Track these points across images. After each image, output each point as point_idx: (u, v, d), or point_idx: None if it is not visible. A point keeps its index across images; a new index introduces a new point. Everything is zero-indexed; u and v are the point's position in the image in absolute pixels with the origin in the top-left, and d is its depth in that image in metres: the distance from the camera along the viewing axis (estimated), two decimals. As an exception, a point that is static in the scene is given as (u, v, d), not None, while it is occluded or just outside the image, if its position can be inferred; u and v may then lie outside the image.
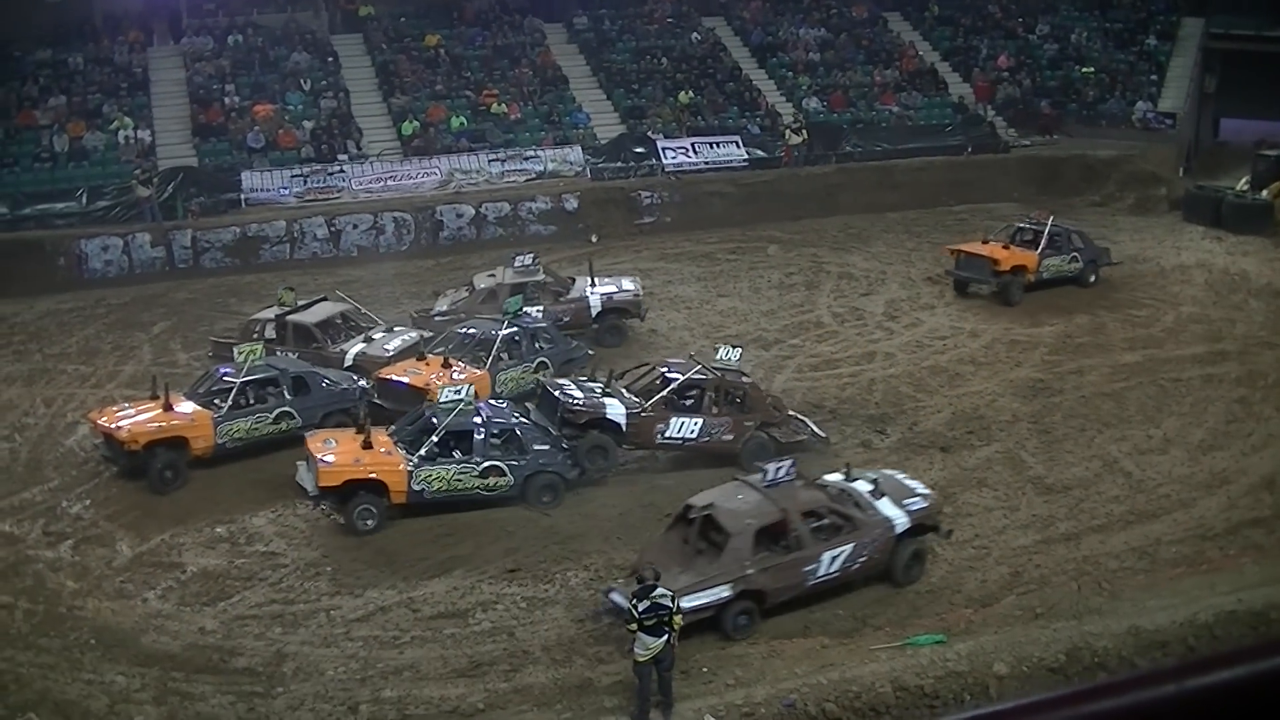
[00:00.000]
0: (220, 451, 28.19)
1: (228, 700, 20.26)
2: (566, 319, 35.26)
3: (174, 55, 52.51)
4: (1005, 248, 39.46)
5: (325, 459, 25.62)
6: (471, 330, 32.58)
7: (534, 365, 31.97)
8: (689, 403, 28.76)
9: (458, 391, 26.55)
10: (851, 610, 22.66)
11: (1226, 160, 53.51)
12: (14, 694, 20.38)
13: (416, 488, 25.77)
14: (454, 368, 30.59)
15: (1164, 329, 36.71)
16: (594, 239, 46.34)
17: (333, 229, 45.17)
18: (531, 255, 37.12)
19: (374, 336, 33.50)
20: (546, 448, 26.67)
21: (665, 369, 29.54)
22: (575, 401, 27.82)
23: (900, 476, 25.23)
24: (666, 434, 28.11)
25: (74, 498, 27.17)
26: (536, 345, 32.38)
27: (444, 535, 25.50)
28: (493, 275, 36.78)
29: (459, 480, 25.98)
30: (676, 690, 19.60)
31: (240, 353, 29.19)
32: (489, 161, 48.17)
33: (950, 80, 56.99)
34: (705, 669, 20.71)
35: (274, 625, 22.38)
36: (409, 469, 25.68)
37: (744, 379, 29.25)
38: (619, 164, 49.34)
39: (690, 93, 53.10)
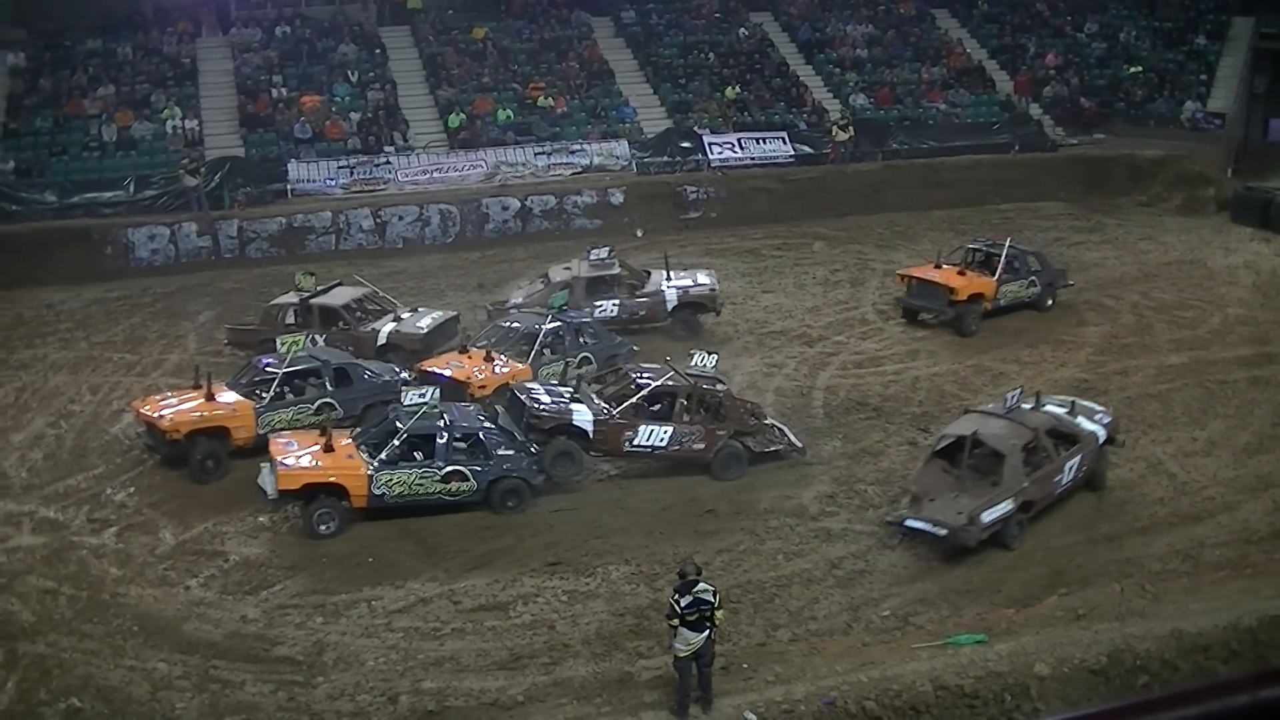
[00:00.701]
0: (262, 442, 27.73)
1: (268, 689, 20.33)
2: (642, 313, 35.48)
3: (222, 46, 52.73)
4: (960, 273, 36.80)
5: (285, 462, 25.38)
6: (515, 324, 32.56)
7: (577, 360, 31.98)
8: (659, 410, 28.19)
9: (422, 395, 26.26)
10: (894, 609, 22.56)
11: (1275, 161, 53.01)
12: (57, 679, 20.51)
13: (377, 492, 25.41)
14: (496, 361, 30.72)
15: (1210, 330, 36.44)
16: (639, 234, 46.29)
17: (378, 220, 45.26)
18: (607, 248, 36.88)
19: (402, 315, 34.03)
20: (511, 453, 26.20)
21: (637, 375, 28.88)
22: (541, 407, 27.28)
23: (1077, 400, 28.22)
24: (635, 441, 27.46)
25: (118, 485, 27.30)
26: (580, 340, 32.41)
27: (485, 528, 25.54)
28: (568, 268, 36.76)
29: (420, 485, 25.61)
30: (716, 686, 19.59)
31: (283, 343, 29.14)
32: (535, 155, 48.18)
33: (998, 78, 56.67)
34: (745, 665, 20.69)
35: (315, 615, 22.45)
36: (369, 473, 25.35)
37: (718, 386, 28.70)
38: (665, 159, 49.29)
39: (737, 88, 52.99)
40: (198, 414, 27.77)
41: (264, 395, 28.65)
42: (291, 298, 34.40)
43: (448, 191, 46.66)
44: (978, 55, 58.07)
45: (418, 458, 25.80)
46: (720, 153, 49.55)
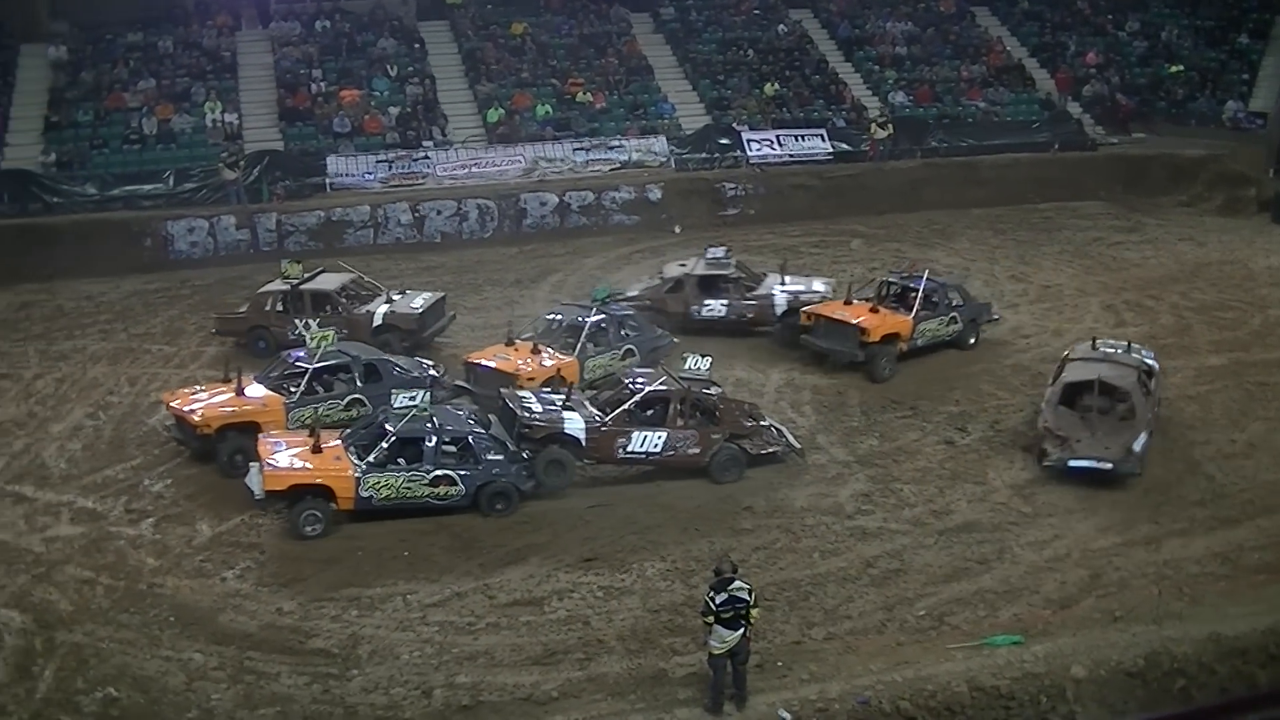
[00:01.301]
0: None
1: (303, 681, 20.39)
2: (749, 315, 35.22)
3: (262, 40, 52.90)
4: (873, 310, 33.33)
5: (272, 463, 25.31)
6: (559, 317, 32.71)
7: (621, 353, 32.15)
8: (653, 415, 27.84)
9: (411, 397, 26.17)
10: (929, 608, 22.50)
11: (1318, 161, 52.73)
12: (94, 668, 20.62)
13: (364, 494, 25.19)
14: (543, 353, 30.87)
15: (1251, 332, 36.22)
16: (677, 230, 46.31)
17: (416, 215, 45.39)
18: (724, 248, 36.82)
19: (394, 298, 34.58)
20: (500, 457, 25.93)
21: (630, 380, 28.50)
22: (532, 415, 26.90)
23: (1130, 342, 30.94)
24: (629, 448, 27.11)
25: (155, 476, 27.39)
26: (623, 333, 32.53)
27: (521, 523, 25.53)
28: (683, 265, 36.77)
29: (408, 488, 25.38)
30: (751, 683, 19.58)
31: (313, 338, 29.22)
32: (573, 150, 48.25)
33: (1038, 76, 56.43)
34: (780, 663, 20.67)
35: (350, 608, 22.48)
36: (356, 475, 25.16)
37: (711, 389, 28.34)
38: (703, 155, 49.26)
39: (776, 85, 52.92)
40: (228, 409, 27.80)
41: (294, 390, 28.65)
42: (279, 285, 34.77)
43: (486, 186, 46.75)
44: (1018, 53, 57.88)
45: (405, 461, 25.63)
46: (759, 149, 49.51)
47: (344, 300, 34.49)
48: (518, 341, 31.56)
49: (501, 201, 46.09)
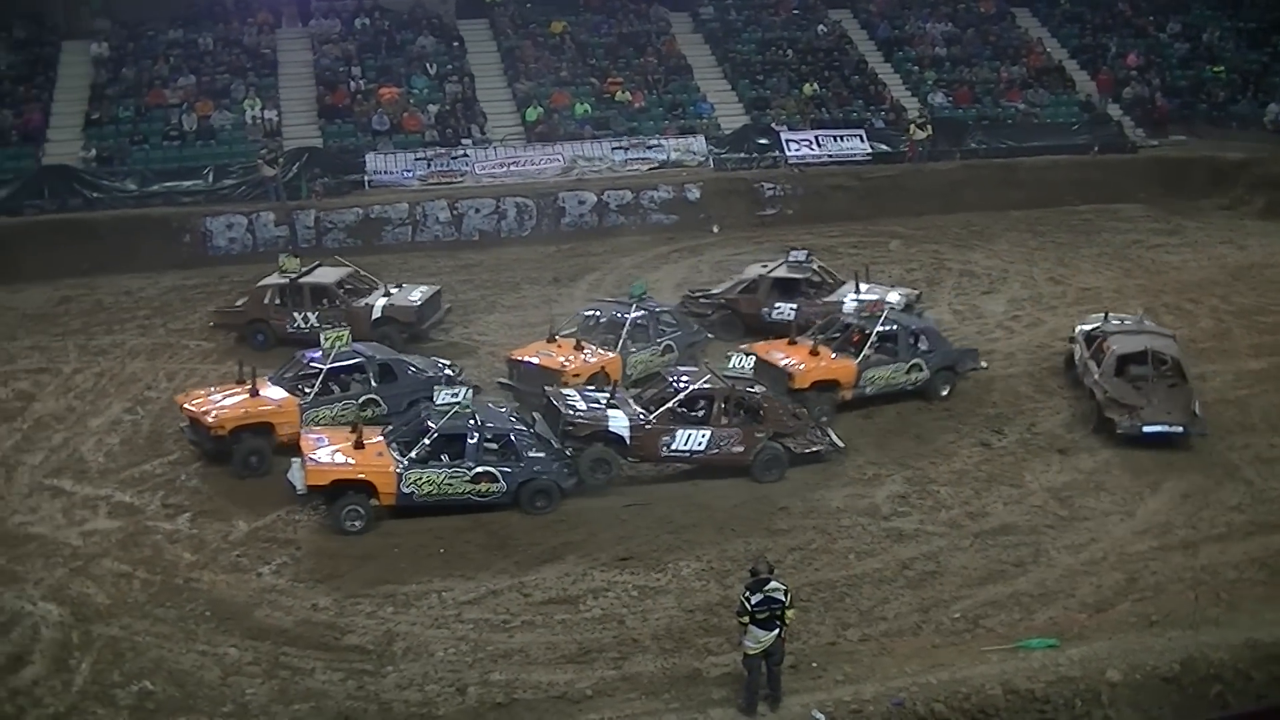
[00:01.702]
0: None
1: (337, 677, 20.44)
2: (817, 321, 33.83)
3: (301, 37, 53.10)
4: (813, 351, 30.72)
5: (314, 457, 25.35)
6: (597, 313, 32.84)
7: (660, 349, 32.22)
8: (698, 414, 27.82)
9: (454, 394, 26.09)
10: (964, 610, 22.44)
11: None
12: (130, 661, 20.73)
13: (406, 490, 25.20)
14: (585, 350, 30.99)
15: (1292, 336, 35.97)
16: (715, 229, 46.28)
17: (455, 212, 45.43)
18: (806, 251, 36.48)
19: (391, 291, 35.04)
20: (542, 454, 25.94)
21: (674, 379, 28.48)
22: (577, 413, 26.89)
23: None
24: (673, 446, 27.05)
25: (192, 471, 27.49)
26: (661, 329, 32.58)
27: (557, 521, 25.55)
28: (764, 266, 36.57)
29: (450, 484, 25.37)
30: (785, 684, 19.58)
31: (327, 339, 29.03)
32: (612, 149, 48.25)
33: (1078, 78, 56.17)
34: (815, 664, 20.65)
35: (385, 604, 22.53)
36: (398, 471, 25.17)
37: (755, 389, 28.05)
38: (742, 155, 49.21)
39: (815, 85, 52.81)
40: (243, 410, 27.71)
41: (308, 391, 28.55)
42: (277, 279, 35.03)
43: (524, 185, 46.76)
44: (1058, 55, 57.59)
45: (447, 457, 25.57)
46: (797, 150, 49.43)
47: (342, 293, 34.88)
48: (559, 338, 31.69)
49: (540, 200, 46.11)
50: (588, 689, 20.15)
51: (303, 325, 34.19)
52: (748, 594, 19.07)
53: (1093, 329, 32.45)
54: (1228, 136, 53.15)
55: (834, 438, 28.31)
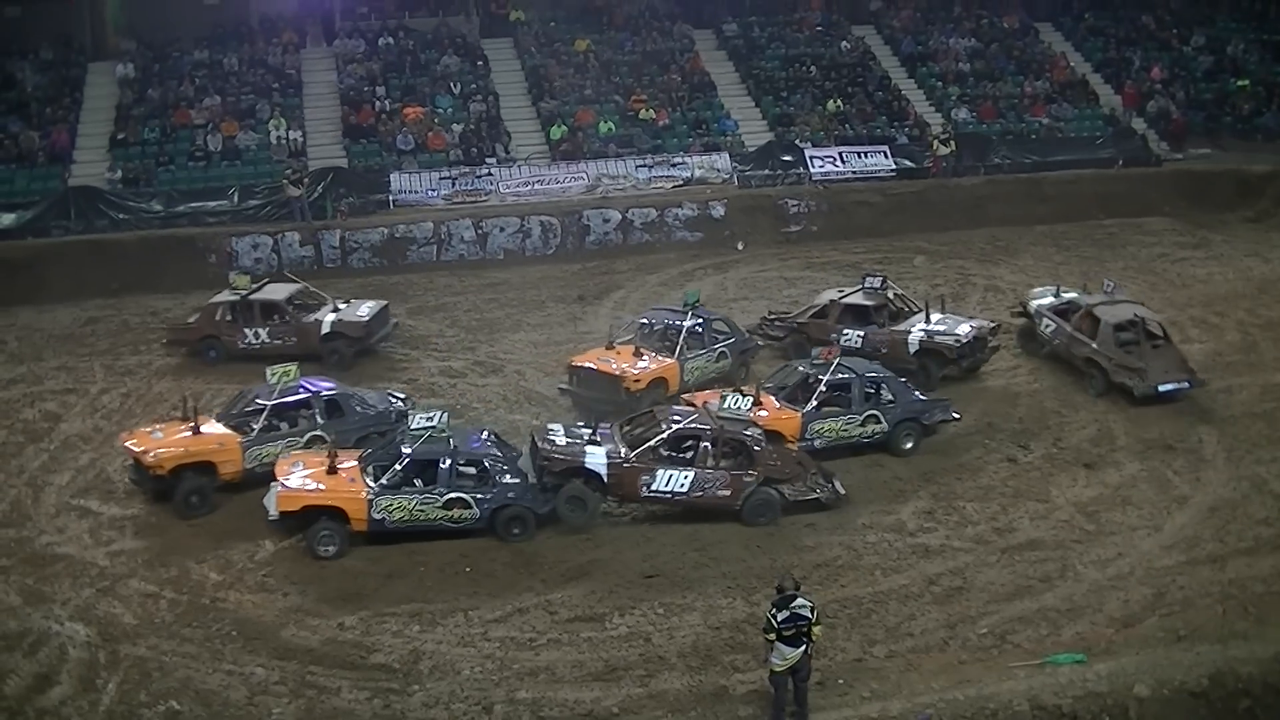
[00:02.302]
0: (251, 476, 27.27)
1: (364, 696, 20.46)
2: (884, 350, 33.69)
3: (326, 57, 53.29)
4: (757, 401, 28.35)
5: (285, 483, 25.21)
6: (651, 321, 33.15)
7: (715, 355, 32.54)
8: (684, 454, 26.65)
9: (429, 418, 25.87)
10: (991, 626, 22.38)
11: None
12: (157, 681, 20.79)
13: (377, 516, 24.91)
14: (644, 356, 31.30)
15: (1319, 348, 35.82)
16: (740, 246, 46.26)
17: (480, 231, 45.45)
18: (881, 278, 35.80)
19: (341, 306, 35.48)
20: (516, 481, 25.54)
21: (665, 417, 27.24)
22: (554, 449, 25.98)
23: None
24: (653, 487, 25.91)
25: (219, 491, 27.46)
26: (715, 336, 32.85)
27: (583, 539, 25.53)
28: (840, 291, 36.24)
29: (421, 511, 25.04)
30: (812, 701, 19.55)
31: (273, 373, 28.55)
32: (636, 167, 48.27)
33: (1102, 92, 56.01)
34: (841, 680, 20.61)
35: (412, 623, 22.55)
36: (369, 497, 24.90)
37: (748, 430, 26.79)
38: (766, 171, 49.19)
39: (839, 101, 52.77)
40: (183, 449, 27.06)
41: (254, 427, 27.91)
42: (228, 296, 35.40)
43: (549, 203, 46.82)
44: (1081, 69, 57.46)
45: (420, 483, 25.34)
46: (822, 166, 49.39)
47: (291, 309, 35.25)
48: (618, 345, 31.95)
49: (564, 218, 46.14)
50: (614, 707, 20.15)
51: (254, 341, 34.82)
52: (774, 610, 19.06)
53: (1060, 302, 35.14)
54: (1253, 149, 52.95)
55: (837, 485, 27.11)
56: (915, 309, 35.04)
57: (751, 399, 27.75)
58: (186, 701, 20.29)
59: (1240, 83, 56.59)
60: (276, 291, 35.79)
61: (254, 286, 35.68)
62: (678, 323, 32.44)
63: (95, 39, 52.64)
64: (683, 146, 49.74)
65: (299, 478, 25.34)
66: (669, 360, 31.61)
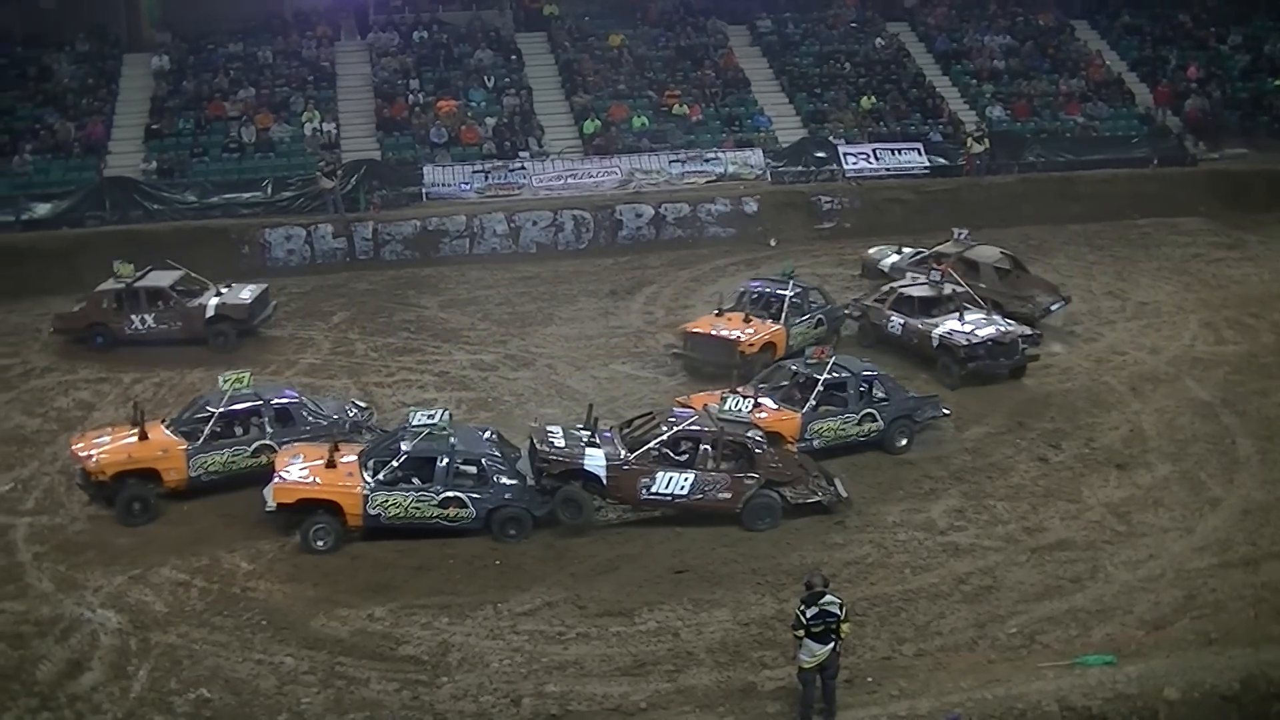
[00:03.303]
0: (196, 485, 26.99)
1: (392, 687, 20.51)
2: (915, 340, 34.25)
3: (360, 50, 53.41)
4: (756, 406, 28.11)
5: (282, 475, 25.23)
6: (753, 290, 34.94)
7: (814, 322, 34.26)
8: (683, 457, 26.47)
9: (431, 415, 25.79)
10: (1021, 626, 22.32)
11: None
12: (187, 669, 20.87)
13: (373, 512, 24.85)
14: (750, 323, 32.90)
15: (1355, 351, 35.61)
16: (772, 243, 46.27)
17: (512, 225, 45.52)
18: (940, 272, 36.19)
19: (223, 290, 36.99)
20: (514, 481, 25.45)
21: (666, 418, 27.13)
22: (553, 450, 25.77)
23: None
24: (652, 489, 25.66)
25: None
26: (811, 304, 34.58)
27: (613, 534, 25.61)
28: (912, 281, 36.83)
29: (417, 508, 24.94)
30: (840, 699, 19.49)
31: (225, 380, 27.86)
32: (669, 162, 48.24)
33: (1137, 91, 55.76)
34: (869, 678, 20.55)
35: (441, 615, 22.59)
36: (365, 492, 24.85)
37: (749, 433, 26.48)
38: (799, 168, 49.20)
39: (873, 98, 52.70)
40: (125, 454, 26.52)
41: (200, 435, 27.46)
42: (113, 284, 36.10)
43: (582, 198, 46.86)
44: (1117, 67, 57.23)
45: (418, 480, 25.27)
46: (855, 163, 49.35)
47: (176, 295, 36.12)
48: (727, 313, 33.57)
49: (597, 213, 46.22)
50: (642, 701, 20.15)
51: (140, 327, 35.81)
52: (803, 607, 19.02)
53: (913, 255, 40.30)
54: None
55: (839, 488, 26.82)
56: (967, 306, 34.76)
57: (753, 401, 27.57)
58: (216, 689, 20.37)
59: (1276, 82, 56.23)
60: (161, 278, 36.53)
61: (138, 274, 36.31)
62: (779, 291, 34.44)
63: (131, 31, 52.92)
64: (716, 142, 49.72)
65: (297, 470, 25.35)
66: (776, 326, 33.50)
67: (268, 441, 27.44)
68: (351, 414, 29.19)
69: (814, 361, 29.93)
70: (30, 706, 19.99)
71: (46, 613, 22.56)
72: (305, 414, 28.21)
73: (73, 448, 27.40)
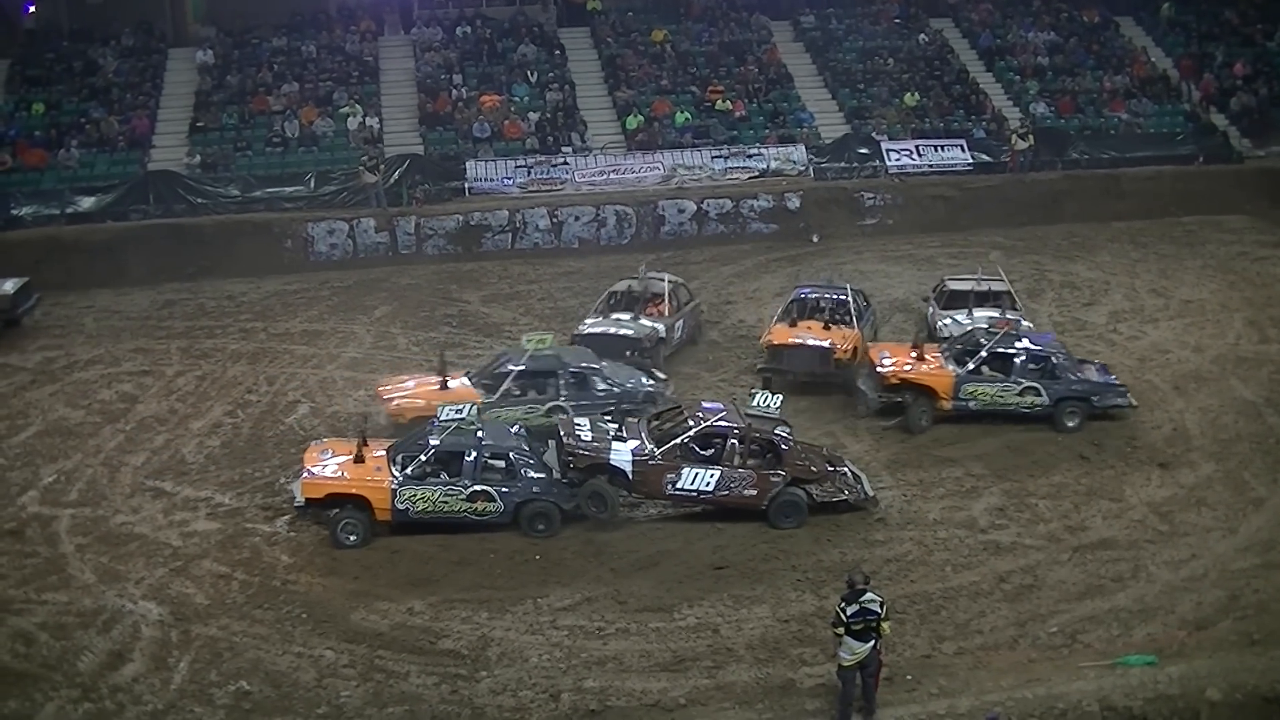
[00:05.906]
0: None
1: (431, 681, 20.54)
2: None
3: (404, 45, 53.54)
4: (920, 357, 30.81)
5: (311, 470, 25.27)
6: (808, 294, 34.86)
7: (870, 325, 34.52)
8: (709, 452, 26.34)
9: (459, 410, 25.77)
10: (1062, 625, 22.23)
11: None
12: (228, 661, 20.96)
13: (401, 506, 24.91)
14: (831, 331, 32.38)
15: (1401, 351, 35.34)
16: (815, 239, 46.15)
17: (555, 220, 45.55)
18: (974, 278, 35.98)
19: None
20: (542, 475, 25.46)
21: (693, 414, 26.96)
22: (579, 444, 25.81)
23: None
24: (678, 485, 25.59)
25: (291, 474, 27.39)
26: (860, 308, 34.36)
27: (654, 529, 25.62)
28: (967, 278, 36.37)
29: (445, 502, 24.96)
30: (880, 696, 19.45)
31: (529, 340, 29.76)
32: (712, 158, 48.16)
33: (1182, 88, 55.35)
34: (909, 676, 20.49)
35: (481, 610, 22.61)
36: (393, 487, 24.93)
37: (777, 430, 26.50)
38: (842, 164, 49.05)
39: (916, 94, 52.48)
40: (423, 403, 28.31)
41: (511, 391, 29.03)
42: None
43: (624, 193, 46.85)
44: (1162, 64, 56.84)
45: (446, 475, 25.26)
46: (898, 159, 49.19)
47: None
48: (799, 320, 33.05)
49: (640, 208, 46.19)
50: (681, 698, 20.13)
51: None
52: (843, 605, 18.99)
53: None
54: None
55: (865, 486, 26.72)
56: (1004, 305, 34.66)
57: (782, 397, 27.54)
58: (256, 682, 20.45)
59: (1324, 79, 55.80)
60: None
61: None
62: (840, 296, 34.01)
63: (175, 26, 53.32)
64: (759, 138, 49.60)
65: (326, 465, 25.44)
66: (854, 331, 32.82)
67: (560, 403, 28.72)
68: (646, 385, 30.04)
69: (994, 331, 31.08)
70: (72, 697, 20.09)
71: (89, 604, 22.67)
72: (599, 381, 29.52)
73: (379, 390, 29.81)
